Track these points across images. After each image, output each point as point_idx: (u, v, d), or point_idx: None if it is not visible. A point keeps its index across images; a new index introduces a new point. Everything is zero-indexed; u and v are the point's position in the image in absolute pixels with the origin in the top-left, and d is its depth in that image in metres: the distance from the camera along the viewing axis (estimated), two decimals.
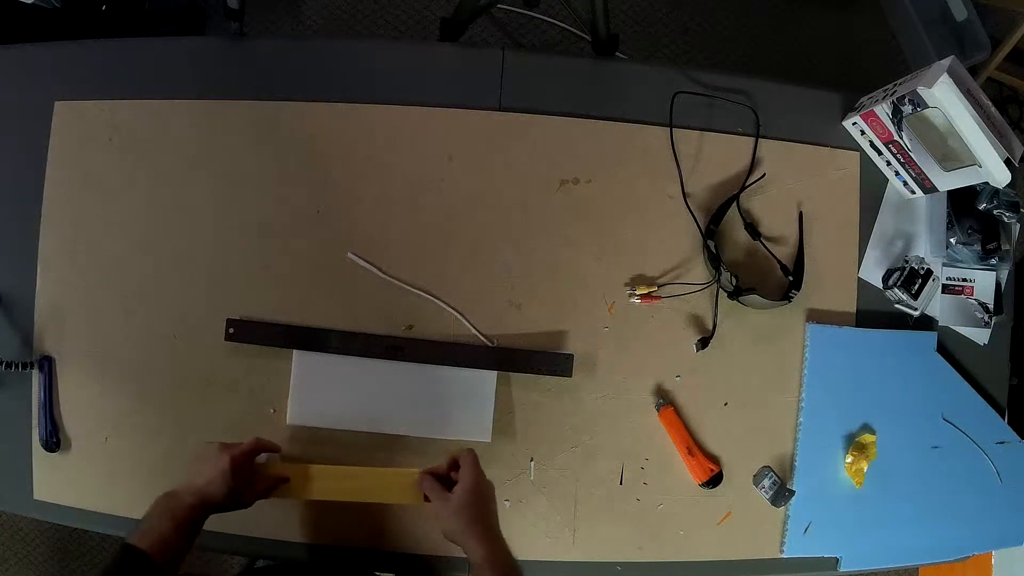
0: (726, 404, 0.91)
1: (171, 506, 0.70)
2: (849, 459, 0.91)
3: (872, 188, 0.95)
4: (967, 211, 0.94)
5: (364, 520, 0.88)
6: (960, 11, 1.70)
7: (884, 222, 0.95)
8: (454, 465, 0.76)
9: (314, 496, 0.80)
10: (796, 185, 0.94)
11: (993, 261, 0.96)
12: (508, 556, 0.69)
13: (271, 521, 0.86)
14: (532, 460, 0.89)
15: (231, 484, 0.72)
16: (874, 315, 0.94)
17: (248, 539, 0.86)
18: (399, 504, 0.86)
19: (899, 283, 0.90)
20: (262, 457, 0.80)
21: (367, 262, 0.88)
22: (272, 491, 0.78)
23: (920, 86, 0.79)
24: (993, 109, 0.81)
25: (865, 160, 0.95)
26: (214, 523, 0.85)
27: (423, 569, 0.88)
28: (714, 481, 0.89)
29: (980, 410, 0.95)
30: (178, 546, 0.68)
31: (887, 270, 0.94)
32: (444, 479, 0.76)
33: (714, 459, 0.90)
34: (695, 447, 0.89)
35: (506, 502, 0.88)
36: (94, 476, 0.87)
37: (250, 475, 0.76)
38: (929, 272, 0.90)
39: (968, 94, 0.78)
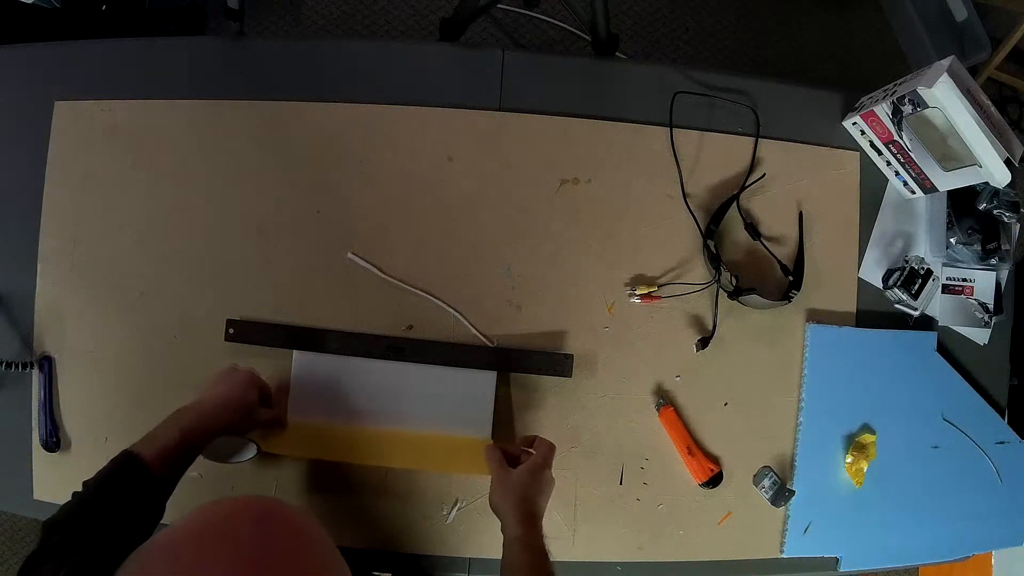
0: (726, 404, 0.91)
1: (180, 421, 0.70)
2: (849, 459, 0.91)
3: (872, 188, 0.95)
4: (967, 211, 0.94)
5: (363, 520, 0.88)
6: (960, 11, 1.71)
7: (884, 222, 0.95)
8: (525, 450, 0.78)
9: (362, 460, 0.85)
10: (796, 185, 0.94)
11: (993, 261, 0.96)
12: (542, 544, 0.69)
13: None
14: None
15: (246, 413, 0.76)
16: (874, 315, 0.94)
17: None
18: (461, 472, 0.87)
19: (899, 283, 0.90)
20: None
21: (367, 262, 0.88)
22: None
23: (920, 86, 0.79)
24: (993, 109, 0.81)
25: (865, 160, 0.95)
26: None
27: (423, 569, 0.88)
28: (714, 481, 0.89)
29: (980, 410, 0.95)
30: (179, 462, 0.69)
31: (887, 270, 0.94)
32: (511, 458, 0.77)
33: (714, 459, 0.90)
34: (695, 447, 0.89)
35: None
36: None
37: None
38: (929, 272, 0.90)
39: (968, 94, 0.78)
